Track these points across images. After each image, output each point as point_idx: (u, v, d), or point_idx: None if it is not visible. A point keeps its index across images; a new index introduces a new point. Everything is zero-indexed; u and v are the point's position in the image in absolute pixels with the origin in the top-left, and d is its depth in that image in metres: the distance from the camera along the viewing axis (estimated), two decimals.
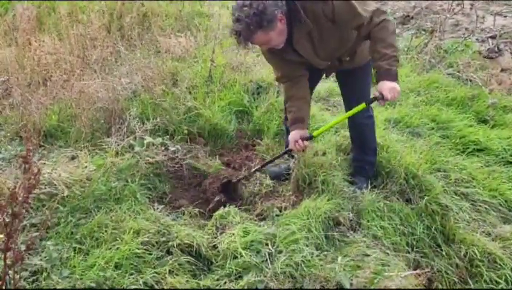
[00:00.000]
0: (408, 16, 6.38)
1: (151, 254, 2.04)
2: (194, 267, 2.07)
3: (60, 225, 2.15)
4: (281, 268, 1.97)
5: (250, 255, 2.02)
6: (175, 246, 2.09)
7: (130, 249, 2.00)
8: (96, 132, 2.91)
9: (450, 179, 2.81)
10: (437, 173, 2.85)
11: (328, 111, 3.73)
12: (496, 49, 5.06)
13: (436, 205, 2.51)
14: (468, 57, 4.81)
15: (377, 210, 2.43)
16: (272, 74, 3.94)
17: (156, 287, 1.92)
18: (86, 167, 2.50)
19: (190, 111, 3.27)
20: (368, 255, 2.12)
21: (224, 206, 2.44)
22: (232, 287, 1.93)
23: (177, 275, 1.98)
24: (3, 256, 1.54)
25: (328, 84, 4.11)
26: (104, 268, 1.92)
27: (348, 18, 2.12)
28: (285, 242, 2.11)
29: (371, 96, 2.38)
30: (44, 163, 2.50)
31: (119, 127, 2.87)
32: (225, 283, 1.96)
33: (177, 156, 2.85)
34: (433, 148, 3.15)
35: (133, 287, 1.88)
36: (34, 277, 1.87)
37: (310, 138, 2.53)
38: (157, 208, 2.38)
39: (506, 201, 2.74)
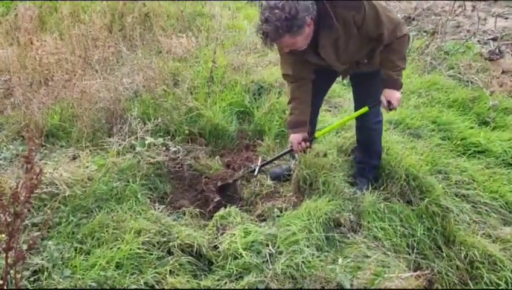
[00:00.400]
0: (409, 17, 6.39)
1: (152, 254, 2.04)
2: (194, 267, 2.07)
3: (61, 224, 2.15)
4: (281, 269, 1.97)
5: (251, 256, 2.03)
6: (176, 246, 2.09)
7: (131, 249, 2.00)
8: (97, 132, 2.91)
9: (451, 181, 2.82)
10: (438, 175, 2.85)
11: (329, 112, 3.74)
12: (497, 51, 5.07)
13: (436, 206, 2.52)
14: (469, 58, 4.82)
15: (377, 211, 2.43)
16: (272, 75, 3.97)
17: (157, 287, 1.93)
18: (87, 166, 2.51)
19: (191, 111, 3.28)
20: (368, 257, 2.13)
21: (225, 207, 2.45)
22: (233, 288, 1.93)
23: (177, 275, 1.98)
24: (4, 255, 1.54)
25: (332, 86, 4.10)
26: (105, 268, 1.92)
27: (372, 28, 2.14)
28: (286, 243, 2.12)
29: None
30: (46, 163, 2.50)
31: (121, 127, 2.88)
32: (226, 283, 1.96)
33: (178, 157, 2.85)
34: (434, 149, 3.15)
35: (133, 287, 1.88)
36: (35, 277, 1.87)
37: (312, 139, 2.54)
38: (158, 208, 2.39)
39: (506, 203, 2.74)
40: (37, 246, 1.93)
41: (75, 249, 2.03)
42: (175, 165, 2.84)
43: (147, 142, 2.75)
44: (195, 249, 2.11)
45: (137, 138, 2.78)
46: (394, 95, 2.32)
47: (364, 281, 1.94)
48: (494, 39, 5.44)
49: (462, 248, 2.37)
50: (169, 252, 2.09)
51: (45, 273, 1.87)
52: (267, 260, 2.02)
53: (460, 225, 2.51)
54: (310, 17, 2.02)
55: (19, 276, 1.65)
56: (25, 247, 1.61)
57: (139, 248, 2.02)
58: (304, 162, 2.58)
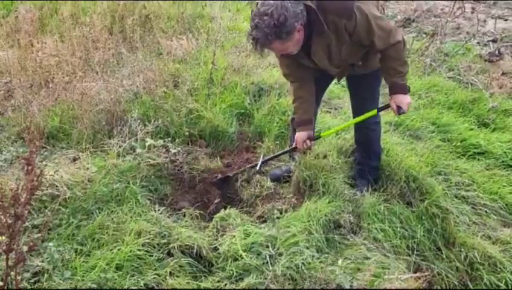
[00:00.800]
0: (409, 18, 6.40)
1: (152, 256, 2.04)
2: (194, 269, 2.08)
3: (62, 226, 2.15)
4: (281, 270, 1.98)
5: (251, 257, 2.03)
6: (176, 247, 2.10)
7: (131, 251, 2.01)
8: (97, 134, 2.92)
9: (451, 182, 2.82)
10: (437, 176, 2.85)
11: (328, 114, 3.74)
12: (497, 52, 5.08)
13: (436, 208, 2.52)
14: (469, 60, 4.83)
15: (377, 213, 2.43)
16: (272, 76, 3.98)
17: (157, 288, 1.93)
18: (87, 168, 2.51)
19: (191, 113, 3.28)
20: (368, 258, 2.13)
21: (225, 208, 2.45)
22: (233, 289, 1.94)
23: (177, 276, 1.98)
24: (5, 257, 1.55)
25: (328, 87, 4.11)
26: (105, 269, 1.92)
27: (364, 35, 2.15)
28: (286, 244, 2.12)
29: (383, 105, 2.50)
30: (46, 164, 2.50)
31: (121, 129, 2.88)
32: (225, 284, 1.96)
33: (178, 158, 2.85)
34: (434, 151, 3.16)
35: (134, 288, 1.88)
36: (36, 278, 1.87)
37: (318, 138, 2.57)
38: (158, 210, 2.39)
39: (506, 205, 2.75)
40: (37, 248, 1.93)
41: (75, 251, 2.03)
42: (175, 166, 2.85)
43: (147, 143, 2.76)
44: (195, 251, 2.12)
45: (137, 139, 2.79)
46: (404, 100, 2.32)
47: (364, 283, 1.94)
48: (494, 41, 5.44)
49: (462, 250, 2.37)
50: (170, 254, 2.10)
51: (45, 275, 1.87)
52: (267, 262, 2.03)
53: (460, 227, 2.52)
54: (299, 24, 2.04)
55: (19, 278, 1.65)
56: (25, 249, 1.61)
57: (139, 250, 2.03)
58: (304, 164, 2.59)
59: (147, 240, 2.09)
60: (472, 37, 5.49)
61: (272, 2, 1.98)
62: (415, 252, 2.33)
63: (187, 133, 3.14)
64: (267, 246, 2.10)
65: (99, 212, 2.26)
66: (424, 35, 5.63)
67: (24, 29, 3.73)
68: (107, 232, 2.13)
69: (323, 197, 2.45)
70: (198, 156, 3.00)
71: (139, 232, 2.13)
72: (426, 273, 2.18)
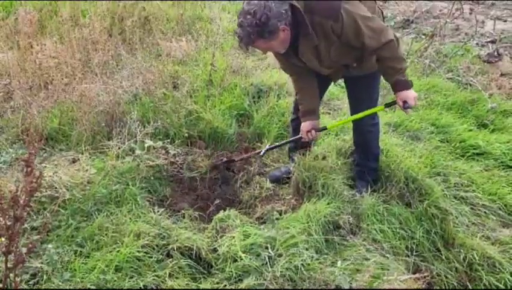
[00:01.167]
0: (408, 20, 6.41)
1: (151, 257, 2.04)
2: (194, 270, 2.08)
3: (61, 228, 2.15)
4: (280, 271, 1.98)
5: (250, 259, 2.03)
6: (175, 249, 2.10)
7: (130, 252, 2.01)
8: (97, 135, 2.92)
9: (450, 183, 2.82)
10: (437, 177, 2.86)
11: (328, 115, 3.75)
12: (496, 53, 5.08)
13: (435, 209, 2.52)
14: (468, 61, 4.83)
15: (376, 214, 2.43)
16: (271, 77, 3.98)
17: (156, 289, 1.93)
18: (86, 170, 2.51)
19: (191, 114, 3.28)
20: (368, 259, 2.13)
21: (224, 209, 2.45)
22: None
23: (177, 278, 1.98)
24: (4, 259, 1.55)
25: (328, 89, 4.11)
26: (104, 271, 1.92)
27: (352, 37, 2.13)
28: (285, 245, 2.12)
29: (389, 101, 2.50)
30: (46, 166, 2.51)
31: (120, 131, 2.88)
32: (225, 286, 1.96)
33: (177, 160, 2.86)
34: (433, 152, 3.16)
35: (133, 289, 1.88)
36: (35, 280, 1.87)
37: (324, 129, 2.61)
38: (158, 211, 2.39)
39: (505, 205, 2.75)
40: (36, 250, 1.94)
41: (75, 253, 2.03)
42: (174, 168, 2.85)
43: (146, 145, 2.76)
44: (194, 252, 2.12)
45: (136, 141, 2.79)
46: (409, 95, 2.31)
47: (363, 284, 1.94)
48: (493, 42, 5.45)
49: (461, 250, 2.37)
50: (169, 255, 2.10)
51: (44, 276, 1.88)
52: (266, 263, 2.03)
53: (460, 227, 2.52)
54: (283, 23, 2.05)
55: (18, 279, 1.65)
56: (24, 250, 1.61)
57: (138, 251, 2.03)
58: (303, 165, 2.59)
59: (146, 242, 2.09)
60: (471, 38, 5.51)
61: (256, 1, 2.01)
62: (414, 253, 2.33)
63: (186, 135, 3.14)
64: (267, 247, 2.10)
65: (99, 214, 2.26)
66: (423, 37, 5.63)
67: (23, 31, 3.73)
68: (106, 234, 2.13)
69: (323, 198, 2.45)
70: (197, 158, 3.01)
71: (139, 234, 2.13)
72: (425, 274, 2.18)
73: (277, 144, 2.88)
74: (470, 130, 3.57)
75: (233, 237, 2.16)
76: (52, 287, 1.84)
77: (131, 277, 1.94)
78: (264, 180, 2.82)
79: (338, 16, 2.06)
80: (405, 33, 5.94)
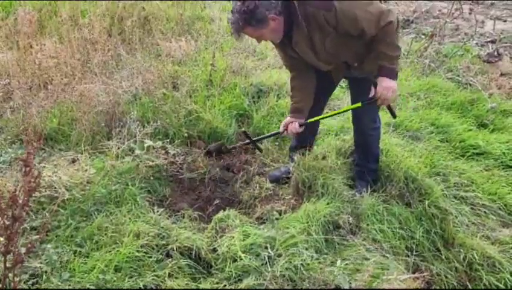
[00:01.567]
0: (408, 20, 6.41)
1: (150, 257, 2.04)
2: (193, 270, 2.07)
3: (60, 228, 2.15)
4: (280, 271, 1.97)
5: (250, 259, 2.03)
6: (175, 249, 2.10)
7: (129, 252, 2.00)
8: (96, 135, 2.92)
9: (450, 183, 2.82)
10: (436, 177, 2.85)
11: None
12: (496, 53, 5.09)
13: (435, 208, 2.52)
14: (467, 61, 4.83)
15: (376, 214, 2.43)
16: (271, 77, 3.98)
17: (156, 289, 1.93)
18: (86, 170, 2.51)
19: (190, 114, 3.28)
20: (367, 259, 2.13)
21: (224, 209, 2.45)
22: None
23: (176, 278, 1.98)
24: (3, 259, 1.55)
25: (332, 93, 4.10)
26: (104, 271, 1.92)
27: (349, 25, 2.10)
28: (285, 245, 2.12)
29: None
30: (45, 166, 2.51)
31: (120, 130, 2.88)
32: (224, 286, 1.96)
33: (177, 160, 2.85)
34: (433, 152, 3.16)
35: (132, 289, 1.88)
36: (34, 280, 1.87)
37: (305, 124, 2.61)
38: (157, 211, 2.39)
39: (505, 205, 2.75)
40: (35, 250, 1.93)
41: (74, 253, 2.03)
42: (174, 168, 2.85)
43: (146, 145, 2.76)
44: (194, 252, 2.11)
45: (136, 141, 2.79)
46: (390, 84, 2.21)
47: (362, 283, 1.94)
48: (493, 42, 5.46)
49: (461, 250, 2.37)
50: (168, 255, 2.09)
51: (44, 276, 1.87)
52: (266, 263, 2.02)
53: (459, 227, 2.51)
54: (273, 13, 2.08)
55: (17, 279, 1.65)
56: (23, 250, 1.61)
57: (138, 251, 2.03)
58: (303, 165, 2.59)
59: (145, 242, 2.08)
60: (471, 38, 5.51)
61: None
62: (414, 253, 2.33)
63: (186, 135, 3.14)
64: (266, 247, 2.10)
65: (98, 214, 2.25)
66: (423, 36, 5.64)
67: (23, 31, 3.73)
68: (105, 234, 2.12)
69: (322, 198, 2.45)
70: (197, 158, 3.00)
71: (138, 234, 2.13)
72: (425, 274, 2.18)
73: (262, 136, 3.00)
74: (470, 130, 3.57)
75: (233, 237, 2.15)
76: (51, 287, 1.83)
77: (131, 277, 1.93)
78: (264, 180, 2.82)
79: (331, 5, 2.04)
80: (405, 33, 5.94)
